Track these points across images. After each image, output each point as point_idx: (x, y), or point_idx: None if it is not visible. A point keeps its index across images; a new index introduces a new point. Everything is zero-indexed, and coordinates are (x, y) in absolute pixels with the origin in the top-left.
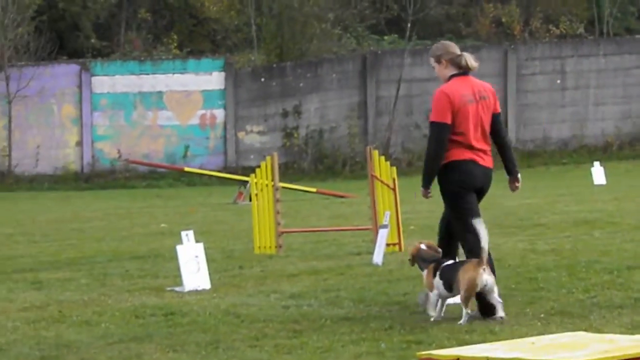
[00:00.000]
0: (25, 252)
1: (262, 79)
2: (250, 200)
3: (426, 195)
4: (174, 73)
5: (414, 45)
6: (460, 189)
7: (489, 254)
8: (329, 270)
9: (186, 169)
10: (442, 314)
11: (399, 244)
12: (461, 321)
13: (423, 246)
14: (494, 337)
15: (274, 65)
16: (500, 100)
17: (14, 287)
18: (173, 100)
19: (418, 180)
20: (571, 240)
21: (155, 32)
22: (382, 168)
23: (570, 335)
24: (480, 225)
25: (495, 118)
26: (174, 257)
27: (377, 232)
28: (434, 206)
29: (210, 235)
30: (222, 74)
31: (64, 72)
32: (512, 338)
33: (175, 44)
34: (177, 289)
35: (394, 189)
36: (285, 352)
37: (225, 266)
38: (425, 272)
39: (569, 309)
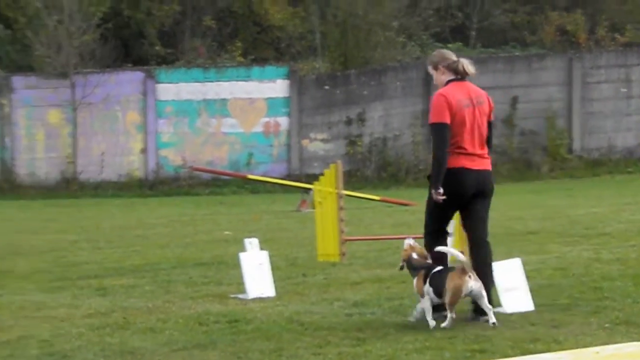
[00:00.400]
0: (90, 258)
1: (326, 87)
2: (314, 208)
3: (438, 195)
4: (238, 80)
5: (478, 53)
6: (446, 197)
7: (485, 261)
8: (392, 278)
9: (249, 176)
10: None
11: (463, 252)
12: (445, 324)
13: (414, 255)
14: (558, 346)
15: (338, 73)
16: (565, 108)
17: (78, 293)
18: (237, 108)
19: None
20: (636, 249)
21: (219, 39)
22: None
23: (635, 345)
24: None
25: (488, 125)
26: (237, 265)
27: None
28: (498, 214)
29: (273, 242)
30: (286, 81)
31: (129, 80)
32: (577, 347)
33: (240, 52)
34: (240, 296)
35: None
36: None
37: (288, 274)
38: (415, 280)
39: (634, 319)
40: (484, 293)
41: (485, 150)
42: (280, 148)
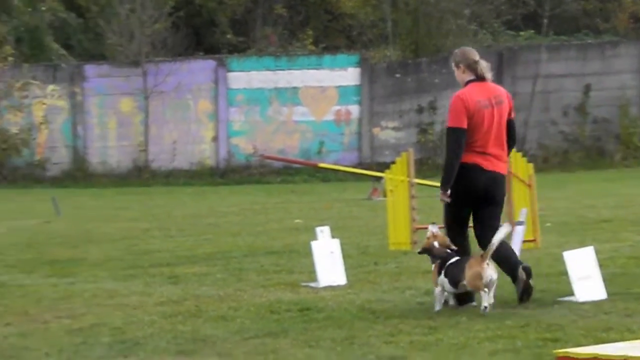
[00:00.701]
0: (162, 246)
1: (397, 75)
2: (385, 196)
3: (445, 197)
4: (309, 69)
5: (550, 41)
6: (456, 192)
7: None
8: None
9: (321, 164)
10: (453, 304)
11: (536, 241)
12: (482, 307)
13: (435, 243)
14: (632, 335)
15: (409, 61)
16: (638, 96)
17: (150, 281)
18: (308, 96)
19: (556, 177)
20: None
21: (290, 27)
22: (518, 165)
23: None
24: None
25: (509, 122)
26: (308, 253)
27: (513, 229)
28: (571, 203)
29: (344, 231)
30: (358, 69)
31: (201, 68)
32: None
33: (311, 40)
34: (312, 284)
35: (530, 186)
36: (420, 349)
37: (360, 262)
38: (433, 267)
39: None
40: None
41: (504, 153)
42: (351, 136)
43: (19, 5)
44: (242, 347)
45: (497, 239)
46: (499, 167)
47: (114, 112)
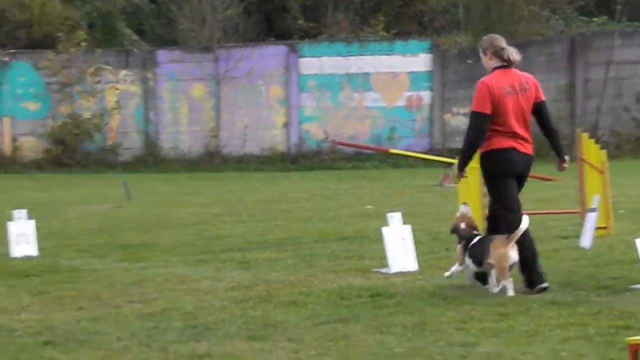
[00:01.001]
0: (233, 232)
1: (469, 61)
2: (456, 182)
3: (460, 176)
4: (380, 55)
5: (624, 27)
6: (501, 175)
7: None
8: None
9: (392, 150)
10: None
11: (608, 227)
12: (508, 292)
13: (462, 225)
14: None
15: None
16: None
17: (221, 266)
18: (379, 82)
19: (628, 163)
20: None
21: (362, 13)
22: (591, 151)
23: None
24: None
25: (539, 105)
26: (379, 239)
27: (585, 216)
28: None
29: (415, 217)
30: (429, 55)
31: (272, 54)
32: None
33: (382, 26)
34: (383, 270)
35: (603, 172)
36: (491, 335)
37: (431, 248)
38: (459, 247)
39: None
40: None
41: (529, 135)
42: (422, 122)
43: None
44: (312, 333)
45: (524, 225)
46: (528, 149)
47: (185, 98)
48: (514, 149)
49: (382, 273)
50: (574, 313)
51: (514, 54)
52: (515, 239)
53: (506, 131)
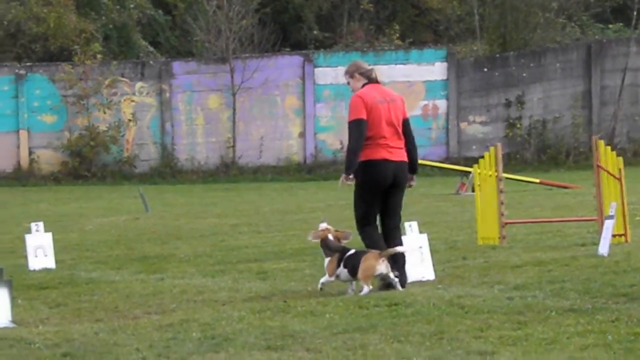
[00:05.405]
0: (250, 242)
1: (485, 69)
2: (473, 191)
3: (347, 180)
4: (396, 64)
5: (639, 34)
6: (371, 187)
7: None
8: (554, 261)
9: None
10: (352, 292)
11: (625, 234)
12: (363, 292)
13: (330, 236)
14: None
15: (497, 55)
16: None
17: (239, 277)
18: (395, 91)
19: None
20: None
21: (377, 22)
22: (608, 158)
23: None
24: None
25: (404, 122)
26: None
27: (602, 223)
28: None
29: (432, 226)
30: (445, 64)
31: (288, 64)
32: None
33: (398, 35)
34: None
35: (619, 179)
36: (509, 344)
37: (448, 257)
38: (327, 260)
39: None
40: (391, 274)
41: (402, 143)
42: (438, 131)
43: (107, 3)
44: (330, 342)
45: (404, 248)
46: (402, 156)
47: (201, 109)
48: (386, 160)
49: None
50: (592, 320)
51: (378, 74)
52: (386, 254)
53: (379, 142)
